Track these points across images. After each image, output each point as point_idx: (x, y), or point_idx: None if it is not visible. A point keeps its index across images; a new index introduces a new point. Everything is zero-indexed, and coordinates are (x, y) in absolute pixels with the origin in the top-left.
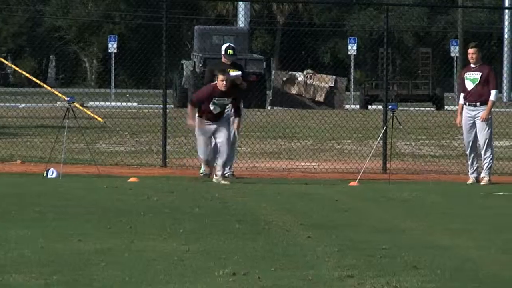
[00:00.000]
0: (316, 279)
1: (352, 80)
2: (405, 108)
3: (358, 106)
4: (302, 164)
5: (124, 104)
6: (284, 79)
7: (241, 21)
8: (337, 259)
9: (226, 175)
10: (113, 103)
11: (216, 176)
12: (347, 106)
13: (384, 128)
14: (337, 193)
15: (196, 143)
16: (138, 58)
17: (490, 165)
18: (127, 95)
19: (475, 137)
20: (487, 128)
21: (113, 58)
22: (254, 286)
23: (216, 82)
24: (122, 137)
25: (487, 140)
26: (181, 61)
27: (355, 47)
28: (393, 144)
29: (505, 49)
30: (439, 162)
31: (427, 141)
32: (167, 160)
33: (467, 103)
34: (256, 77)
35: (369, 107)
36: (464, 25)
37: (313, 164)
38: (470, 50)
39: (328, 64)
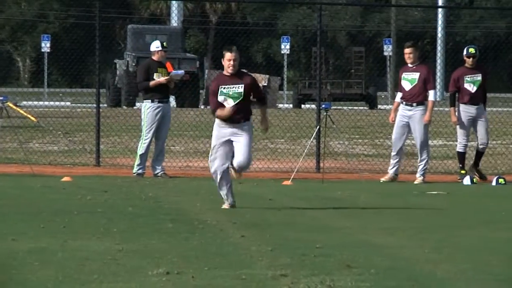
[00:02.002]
0: (250, 279)
1: (286, 79)
2: (339, 107)
3: (291, 105)
4: None
5: (57, 103)
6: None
7: (174, 20)
8: (271, 258)
9: (159, 174)
10: (46, 103)
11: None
12: (280, 105)
13: (318, 127)
14: (270, 192)
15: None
16: (71, 57)
17: (426, 166)
18: (61, 95)
19: (403, 136)
20: (423, 129)
21: (46, 58)
22: (188, 285)
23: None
24: (56, 137)
25: (424, 141)
26: (114, 60)
27: (288, 46)
28: (327, 143)
29: (439, 48)
30: (372, 161)
31: (360, 140)
32: (100, 160)
33: (404, 103)
34: (190, 76)
35: (303, 106)
36: (398, 24)
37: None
38: (407, 50)
39: (261, 63)
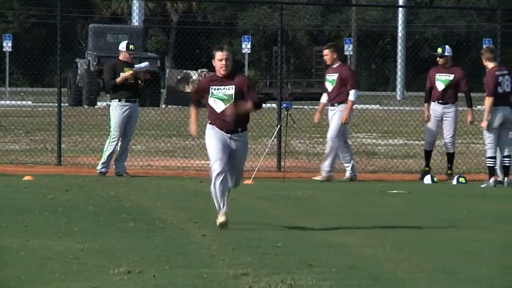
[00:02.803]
0: (211, 278)
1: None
2: (300, 107)
3: None
4: (197, 162)
5: (18, 102)
6: (179, 77)
7: (136, 20)
8: (232, 257)
9: (121, 173)
10: (7, 102)
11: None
12: None
13: (279, 127)
14: (232, 192)
15: (208, 153)
16: (32, 56)
17: (351, 162)
18: (22, 94)
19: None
20: (334, 125)
21: (7, 57)
22: (149, 284)
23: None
24: (17, 136)
25: (331, 137)
26: (76, 60)
27: (249, 46)
28: (288, 142)
29: (399, 47)
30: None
31: (321, 140)
32: (62, 159)
33: (329, 103)
34: (151, 76)
35: (264, 105)
36: (358, 24)
37: (208, 162)
38: (324, 52)
39: None
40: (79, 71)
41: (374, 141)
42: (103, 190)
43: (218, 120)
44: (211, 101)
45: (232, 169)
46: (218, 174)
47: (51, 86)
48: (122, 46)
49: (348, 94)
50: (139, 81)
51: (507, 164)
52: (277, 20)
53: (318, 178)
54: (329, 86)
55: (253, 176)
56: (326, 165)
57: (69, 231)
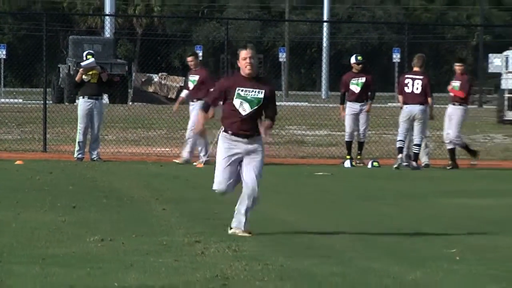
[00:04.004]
0: (169, 244)
1: None
2: None
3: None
4: (158, 149)
5: (11, 100)
6: (143, 79)
7: (107, 32)
8: (187, 228)
9: (94, 158)
10: (2, 100)
11: (232, 228)
12: (193, 102)
13: None
14: (186, 173)
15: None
16: (23, 62)
17: (206, 151)
18: (14, 93)
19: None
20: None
21: (2, 63)
22: (119, 250)
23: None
24: (10, 128)
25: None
26: (58, 65)
27: (200, 54)
28: None
29: (324, 55)
30: (271, 148)
31: None
32: (47, 147)
33: (189, 99)
34: (120, 78)
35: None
36: (290, 36)
37: (167, 149)
38: (188, 59)
39: (178, 67)
40: (61, 75)
41: (303, 132)
42: (81, 172)
43: (234, 124)
44: (237, 102)
45: (247, 173)
46: (217, 192)
47: (38, 86)
48: (84, 54)
49: (207, 92)
50: (103, 81)
51: (416, 151)
52: (223, 32)
53: (177, 161)
54: (191, 85)
55: (203, 161)
56: (185, 150)
57: (52, 206)
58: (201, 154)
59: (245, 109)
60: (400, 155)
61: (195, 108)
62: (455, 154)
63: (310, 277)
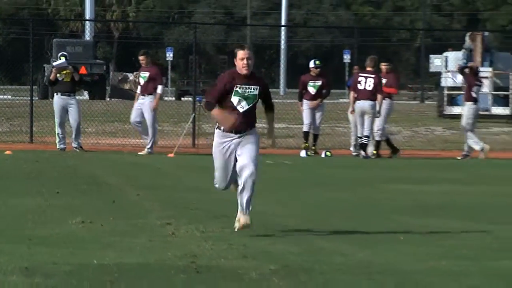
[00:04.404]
0: (143, 226)
1: (170, 79)
2: None
3: (174, 98)
4: (133, 141)
5: (1, 96)
6: (119, 78)
7: (87, 35)
8: (159, 211)
9: (75, 148)
10: None
11: (239, 223)
12: (166, 98)
13: (193, 114)
14: (159, 162)
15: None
16: (12, 62)
17: (151, 142)
18: (3, 90)
19: (138, 117)
20: (150, 114)
21: None
22: (98, 230)
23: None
24: (0, 121)
25: (149, 123)
26: (44, 65)
27: (171, 55)
28: (200, 126)
29: (282, 56)
30: None
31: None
32: (33, 138)
33: (140, 94)
34: (99, 77)
35: (182, 99)
36: (252, 38)
37: (141, 141)
38: (140, 58)
39: None
40: (46, 74)
41: (263, 125)
42: (64, 161)
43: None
44: (235, 99)
45: (240, 163)
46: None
47: (25, 84)
48: (58, 55)
49: (156, 88)
50: (75, 79)
51: (365, 142)
52: (192, 36)
53: (141, 153)
54: (142, 81)
55: (174, 151)
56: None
57: (38, 191)
58: (147, 146)
59: (242, 106)
60: (366, 152)
61: (145, 102)
62: (390, 141)
63: (269, 255)
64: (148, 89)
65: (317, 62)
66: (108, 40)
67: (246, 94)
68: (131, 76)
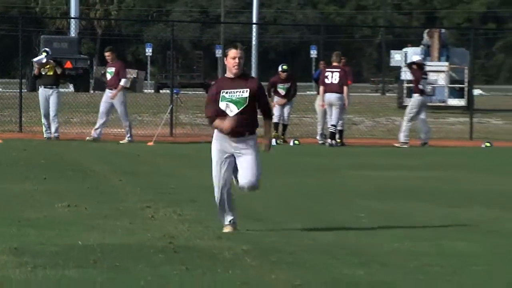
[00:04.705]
0: (125, 209)
1: (149, 73)
2: (185, 92)
3: (153, 91)
4: (115, 130)
5: None
6: (102, 72)
7: (73, 32)
8: (140, 195)
9: (51, 137)
10: None
11: (226, 226)
12: (145, 91)
13: (171, 106)
14: (139, 150)
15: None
16: (2, 57)
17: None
18: None
19: (108, 110)
20: (119, 106)
21: None
22: (82, 214)
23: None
24: None
25: (121, 114)
26: (32, 60)
27: (150, 50)
28: (177, 116)
29: (253, 51)
30: (208, 128)
31: (199, 114)
32: (22, 128)
33: (107, 87)
34: (83, 71)
35: (161, 91)
36: (225, 35)
37: (122, 130)
38: (106, 53)
39: (132, 61)
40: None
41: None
42: (51, 149)
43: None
44: (223, 105)
45: (242, 169)
46: (216, 194)
47: (15, 77)
48: (41, 51)
49: (119, 80)
50: (58, 72)
51: (332, 131)
52: (169, 33)
53: (122, 142)
54: (108, 76)
55: (153, 139)
56: (97, 130)
57: (27, 177)
58: (127, 136)
59: (231, 110)
60: (332, 140)
61: (111, 94)
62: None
63: (242, 236)
64: (116, 83)
65: (285, 67)
66: (91, 37)
67: (234, 98)
68: None
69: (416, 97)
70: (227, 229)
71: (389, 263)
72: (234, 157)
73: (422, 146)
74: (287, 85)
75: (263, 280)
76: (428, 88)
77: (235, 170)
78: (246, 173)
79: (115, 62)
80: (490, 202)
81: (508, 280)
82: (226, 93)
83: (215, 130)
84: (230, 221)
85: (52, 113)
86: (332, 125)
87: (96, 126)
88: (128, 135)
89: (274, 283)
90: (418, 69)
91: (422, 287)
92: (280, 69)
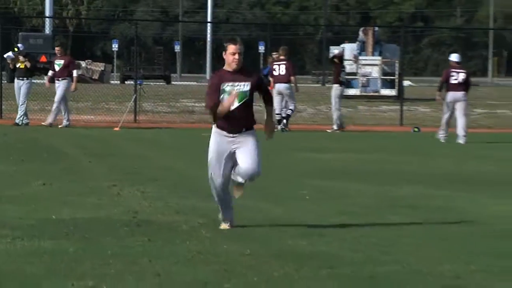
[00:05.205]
0: (94, 188)
1: (115, 66)
2: (148, 83)
3: (119, 82)
4: (85, 117)
5: None
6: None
7: (47, 30)
8: (107, 175)
9: (18, 123)
10: None
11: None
12: (112, 82)
13: (135, 95)
14: (107, 135)
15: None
16: None
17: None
18: None
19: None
20: (60, 95)
21: None
22: (56, 191)
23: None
24: None
25: (63, 104)
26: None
27: (117, 46)
28: (140, 104)
29: (208, 47)
30: (169, 116)
31: (161, 103)
32: (2, 115)
33: (55, 78)
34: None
35: (126, 82)
36: (183, 32)
37: (92, 117)
38: (56, 49)
39: (100, 56)
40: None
41: (193, 104)
42: (29, 134)
43: (223, 119)
44: (224, 98)
45: (241, 159)
46: (213, 191)
47: None
48: (14, 47)
49: (69, 73)
50: (28, 66)
51: (283, 116)
52: (133, 30)
53: (44, 123)
54: (57, 67)
55: (119, 125)
56: (62, 118)
57: (6, 159)
58: (64, 120)
59: (233, 104)
60: (279, 125)
61: (60, 85)
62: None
63: (198, 211)
64: (63, 74)
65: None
66: (64, 34)
67: (232, 92)
68: (83, 64)
69: (336, 87)
70: (223, 226)
71: (328, 234)
72: (233, 154)
73: (333, 132)
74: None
75: (217, 250)
76: (344, 79)
77: (234, 165)
78: (245, 160)
79: (63, 56)
80: (418, 181)
81: (436, 249)
82: (227, 86)
83: (213, 130)
84: (228, 218)
85: (20, 101)
86: (278, 114)
87: (64, 118)
88: (66, 119)
89: (226, 252)
90: (339, 62)
91: (361, 257)
92: None
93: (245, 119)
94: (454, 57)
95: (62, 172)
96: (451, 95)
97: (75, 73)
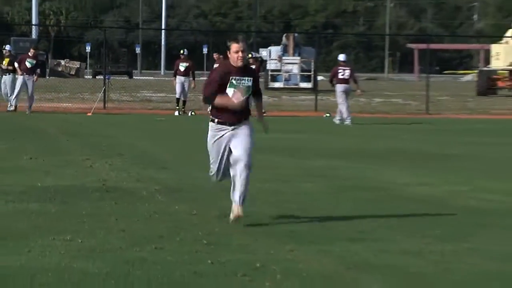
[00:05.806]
0: (70, 161)
1: (88, 63)
2: (114, 78)
3: (91, 77)
4: (64, 105)
5: None
6: (55, 63)
7: (34, 35)
8: (82, 151)
9: (28, 112)
10: None
11: (233, 214)
12: (86, 76)
13: (104, 87)
14: (81, 119)
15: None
16: None
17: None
18: None
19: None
20: (31, 87)
21: None
22: (41, 164)
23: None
24: None
25: (31, 96)
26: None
27: (89, 48)
28: (108, 95)
29: (163, 49)
30: (131, 104)
31: (125, 93)
32: None
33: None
34: (41, 62)
35: (97, 77)
36: (143, 37)
37: (70, 105)
38: (31, 50)
39: (76, 56)
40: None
41: (151, 94)
42: (17, 120)
43: (224, 112)
44: (230, 91)
45: (234, 146)
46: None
47: None
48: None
49: (37, 71)
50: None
51: None
52: (103, 35)
53: (28, 113)
54: (28, 65)
55: (92, 111)
56: (14, 102)
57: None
58: (12, 102)
59: (237, 97)
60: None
61: (30, 79)
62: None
63: (155, 180)
64: (33, 71)
65: (184, 51)
66: (47, 38)
67: (241, 86)
68: (62, 62)
69: None
70: (235, 211)
71: (256, 198)
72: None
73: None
74: (186, 64)
75: (169, 211)
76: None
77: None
78: (239, 152)
79: (36, 56)
80: (331, 155)
81: (346, 210)
82: (235, 80)
83: (211, 123)
84: (239, 198)
85: (14, 93)
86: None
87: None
88: (30, 109)
89: (177, 212)
90: (258, 63)
91: (282, 215)
92: (181, 52)
93: (245, 110)
94: (341, 57)
95: (45, 149)
96: (340, 87)
97: (38, 71)
